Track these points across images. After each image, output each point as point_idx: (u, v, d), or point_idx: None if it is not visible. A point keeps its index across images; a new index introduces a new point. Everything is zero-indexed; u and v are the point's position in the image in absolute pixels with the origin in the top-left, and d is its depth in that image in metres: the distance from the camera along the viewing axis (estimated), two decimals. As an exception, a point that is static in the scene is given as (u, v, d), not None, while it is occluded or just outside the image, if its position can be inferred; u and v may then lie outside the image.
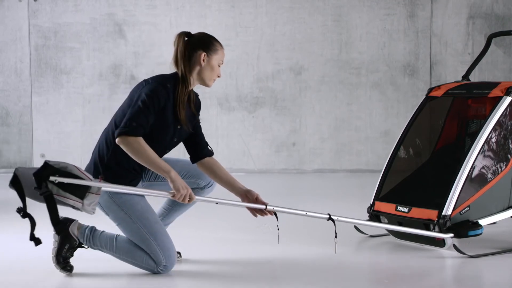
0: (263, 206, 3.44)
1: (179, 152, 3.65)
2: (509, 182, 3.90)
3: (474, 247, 3.83)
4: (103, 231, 3.40)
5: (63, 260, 3.34)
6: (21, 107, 7.48)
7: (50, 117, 7.46)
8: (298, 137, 7.48)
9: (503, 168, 3.87)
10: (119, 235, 3.38)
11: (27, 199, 3.14)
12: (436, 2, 7.38)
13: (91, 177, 3.17)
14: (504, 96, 3.88)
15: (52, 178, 3.04)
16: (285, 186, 6.69)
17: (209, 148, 3.57)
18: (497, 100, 3.90)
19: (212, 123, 7.43)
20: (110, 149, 3.32)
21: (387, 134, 7.42)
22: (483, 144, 3.80)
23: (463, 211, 3.74)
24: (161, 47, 7.37)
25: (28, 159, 7.51)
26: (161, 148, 3.39)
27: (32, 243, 3.11)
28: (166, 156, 3.48)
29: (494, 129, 3.84)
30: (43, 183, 3.02)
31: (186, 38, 3.38)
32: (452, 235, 3.69)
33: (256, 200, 3.47)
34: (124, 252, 3.33)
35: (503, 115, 3.87)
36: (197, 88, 3.54)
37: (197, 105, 3.53)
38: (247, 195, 3.49)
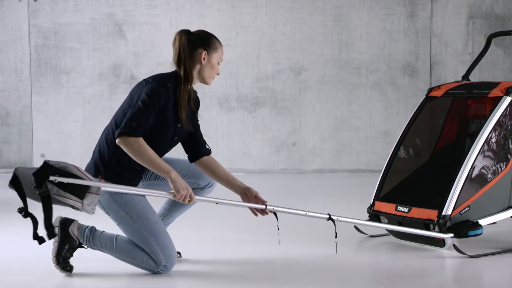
0: (263, 206, 3.44)
1: (179, 152, 3.65)
2: (509, 182, 3.90)
3: (474, 247, 3.83)
4: (103, 231, 3.40)
5: (63, 260, 3.34)
6: (21, 107, 7.48)
7: (50, 117, 7.46)
8: (298, 137, 7.48)
9: (503, 168, 3.87)
10: (119, 235, 3.38)
11: (28, 199, 3.14)
12: (436, 2, 7.38)
13: (91, 177, 3.17)
14: (504, 96, 3.88)
15: (52, 178, 3.03)
16: (285, 186, 6.69)
17: (207, 147, 3.57)
18: (497, 100, 3.90)
19: (212, 123, 7.43)
20: (111, 149, 3.32)
21: (387, 134, 7.42)
22: (483, 144, 3.80)
23: (463, 211, 3.74)
24: (161, 47, 7.37)
25: (28, 159, 7.51)
26: (162, 148, 3.39)
27: (35, 242, 3.10)
28: (166, 156, 3.48)
29: (494, 129, 3.84)
30: (43, 183, 3.02)
31: (186, 36, 3.38)
32: (452, 235, 3.69)
33: (256, 198, 3.48)
34: (124, 252, 3.33)
35: (503, 115, 3.87)
36: (197, 87, 3.54)
37: (196, 103, 3.53)
38: (246, 193, 3.50)
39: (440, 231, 3.70)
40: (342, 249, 3.73)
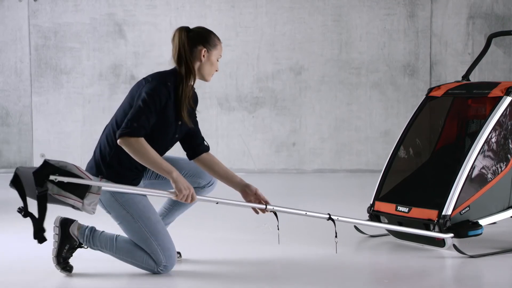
0: (263, 206, 3.45)
1: (179, 152, 3.65)
2: (509, 182, 3.90)
3: (474, 247, 3.83)
4: (103, 231, 3.40)
5: (63, 261, 3.34)
6: (21, 107, 7.48)
7: (50, 117, 7.46)
8: (298, 137, 7.48)
9: (503, 168, 3.87)
10: (119, 235, 3.38)
11: (28, 199, 3.13)
12: (436, 2, 7.38)
13: (91, 176, 3.17)
14: (504, 96, 3.88)
15: (52, 177, 3.03)
16: (285, 186, 6.68)
17: (206, 144, 3.57)
18: (497, 100, 3.90)
19: (212, 123, 7.43)
20: (112, 149, 3.32)
21: (387, 134, 7.42)
22: (483, 144, 3.80)
23: (463, 211, 3.74)
24: (161, 47, 7.37)
25: (28, 159, 7.51)
26: (163, 146, 3.39)
27: (35, 242, 3.10)
28: (166, 154, 3.48)
29: (494, 129, 3.84)
30: (43, 182, 3.02)
31: (186, 33, 3.37)
32: (452, 235, 3.69)
33: (256, 195, 3.49)
34: (124, 252, 3.33)
35: (503, 115, 3.87)
36: (196, 85, 3.54)
37: (195, 99, 3.53)
38: (246, 190, 3.50)
39: (440, 231, 3.70)
40: (342, 249, 3.73)
